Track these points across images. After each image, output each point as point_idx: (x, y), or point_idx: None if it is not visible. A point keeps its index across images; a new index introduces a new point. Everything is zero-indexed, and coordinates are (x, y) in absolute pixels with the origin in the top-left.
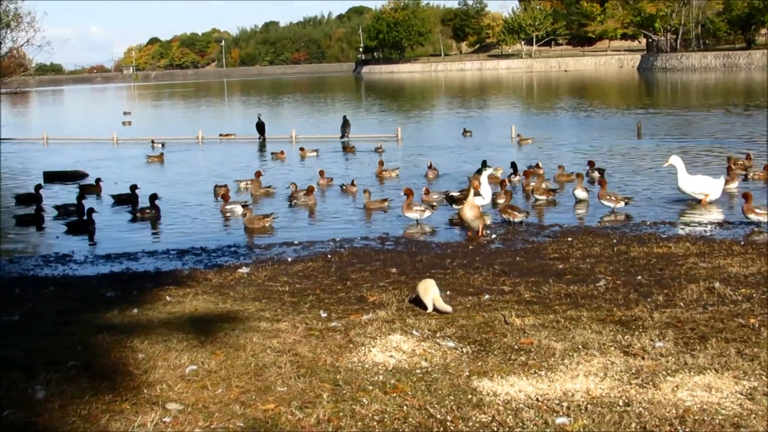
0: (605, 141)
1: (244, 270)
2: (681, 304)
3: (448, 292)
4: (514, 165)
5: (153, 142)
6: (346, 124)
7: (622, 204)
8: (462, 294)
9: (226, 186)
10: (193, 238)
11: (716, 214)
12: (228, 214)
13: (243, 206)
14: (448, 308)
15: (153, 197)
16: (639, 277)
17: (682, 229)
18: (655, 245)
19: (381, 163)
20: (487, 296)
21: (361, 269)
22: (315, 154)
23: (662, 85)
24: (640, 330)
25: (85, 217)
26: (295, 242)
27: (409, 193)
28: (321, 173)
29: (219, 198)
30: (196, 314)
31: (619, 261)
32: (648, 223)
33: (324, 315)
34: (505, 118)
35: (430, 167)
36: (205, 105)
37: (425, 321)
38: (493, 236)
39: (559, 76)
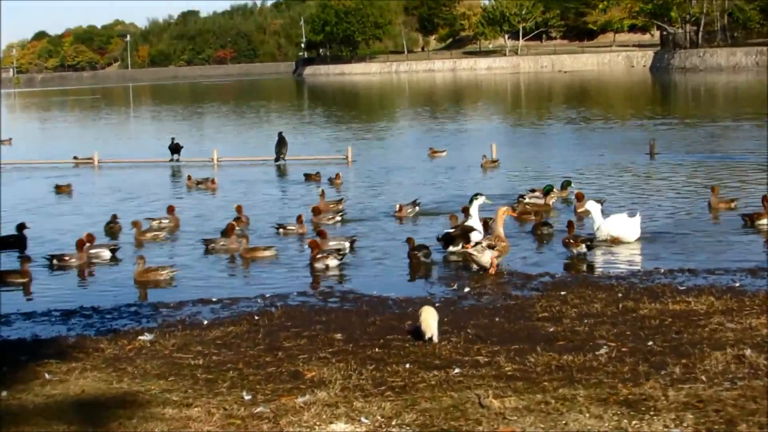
0: (609, 161)
1: (147, 337)
2: (703, 377)
3: (407, 365)
4: (548, 189)
5: None
6: (281, 143)
7: (582, 248)
8: (425, 367)
9: (117, 223)
10: (82, 294)
11: (741, 258)
12: (93, 260)
13: (111, 250)
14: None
15: (21, 227)
16: (650, 343)
17: (704, 278)
18: (670, 300)
19: (323, 194)
20: (457, 370)
21: (297, 335)
22: (204, 186)
23: (681, 90)
24: (652, 413)
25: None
26: (213, 299)
27: (314, 245)
28: (238, 209)
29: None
30: (83, 397)
31: (625, 321)
32: (662, 270)
33: (248, 397)
34: (484, 133)
35: (322, 195)
36: (105, 118)
37: (378, 404)
38: (466, 290)
39: (554, 77)
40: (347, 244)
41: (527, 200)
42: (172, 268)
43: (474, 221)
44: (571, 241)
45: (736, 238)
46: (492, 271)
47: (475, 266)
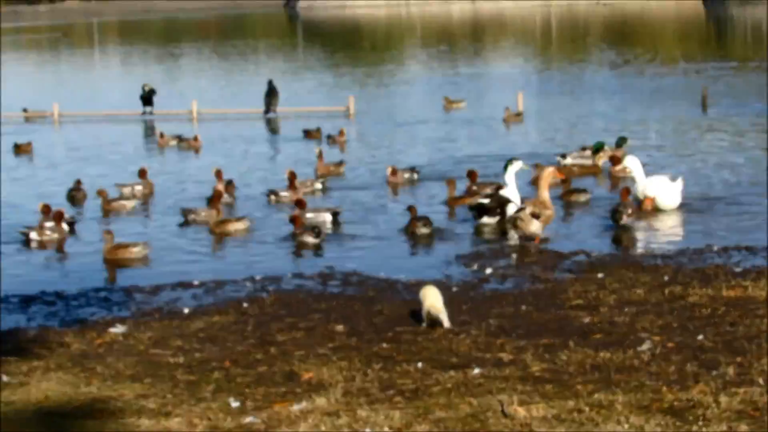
0: (653, 114)
1: (119, 329)
2: (760, 380)
3: (420, 365)
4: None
5: None
6: (272, 93)
7: (625, 219)
8: (440, 367)
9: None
10: (43, 277)
11: None
12: (45, 237)
13: (68, 224)
14: (445, 322)
15: None
16: (700, 337)
17: (763, 257)
18: (724, 285)
19: (321, 156)
20: (477, 370)
21: (292, 326)
22: (175, 142)
23: (739, 26)
24: (700, 423)
25: None
26: (195, 283)
27: (297, 221)
28: (218, 174)
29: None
30: (45, 405)
31: (671, 311)
32: (715, 248)
33: (235, 404)
34: (509, 79)
35: (319, 156)
36: (66, 61)
37: (385, 413)
38: (488, 271)
39: (590, 11)
40: (328, 217)
41: (571, 160)
42: (145, 244)
43: (510, 191)
44: (622, 209)
45: None
46: (537, 240)
47: (516, 235)
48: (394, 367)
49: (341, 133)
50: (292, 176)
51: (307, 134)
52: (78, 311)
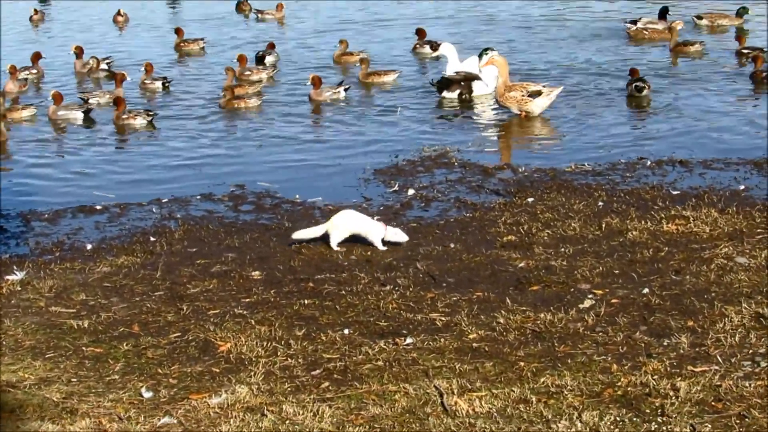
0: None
1: (17, 275)
2: (717, 355)
3: (346, 331)
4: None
5: None
6: None
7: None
8: (368, 332)
9: None
10: None
11: None
12: None
13: None
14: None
15: None
16: (645, 291)
17: (700, 175)
18: (663, 215)
19: (179, 31)
20: (409, 340)
21: (205, 272)
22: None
23: None
24: (661, 419)
25: None
26: (98, 207)
27: (120, 102)
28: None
29: None
30: None
31: (611, 252)
32: (648, 163)
33: (148, 395)
34: None
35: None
36: None
37: (314, 409)
38: (410, 192)
39: None
40: (79, 115)
41: (641, 25)
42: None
43: (485, 72)
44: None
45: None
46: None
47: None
48: (319, 335)
49: (279, 7)
50: (150, 66)
51: (239, 7)
52: None
